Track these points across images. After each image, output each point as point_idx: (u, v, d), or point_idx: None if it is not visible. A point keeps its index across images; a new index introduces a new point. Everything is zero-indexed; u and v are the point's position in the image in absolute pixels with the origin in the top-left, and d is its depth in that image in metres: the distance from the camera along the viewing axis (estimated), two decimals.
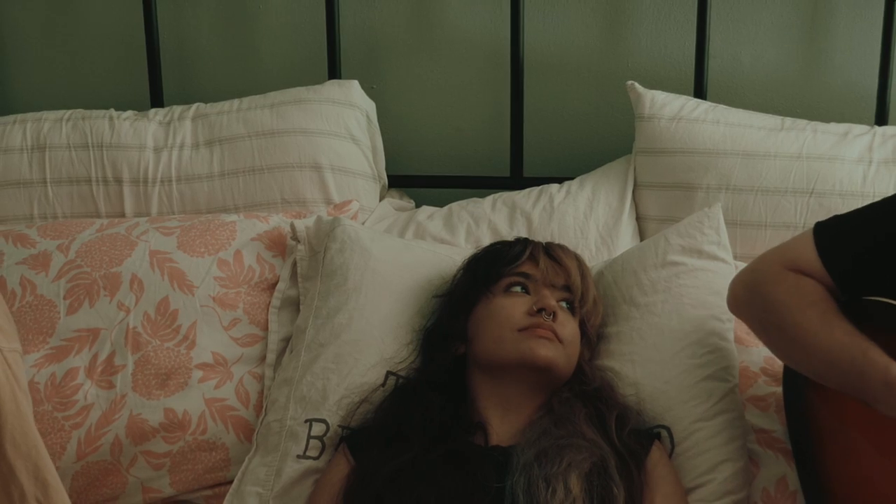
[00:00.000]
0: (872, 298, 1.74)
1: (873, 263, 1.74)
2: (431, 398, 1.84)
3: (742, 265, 2.15)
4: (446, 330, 1.94)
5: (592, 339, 1.95)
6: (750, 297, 1.86)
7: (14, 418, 1.54)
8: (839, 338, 1.69)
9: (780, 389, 1.98)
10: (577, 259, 1.97)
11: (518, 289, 1.89)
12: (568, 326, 1.86)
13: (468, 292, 1.94)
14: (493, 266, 1.94)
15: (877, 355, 1.63)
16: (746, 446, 1.92)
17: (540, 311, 1.83)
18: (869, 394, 1.65)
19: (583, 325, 1.92)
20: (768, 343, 1.87)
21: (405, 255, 2.14)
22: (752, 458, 1.93)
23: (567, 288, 1.91)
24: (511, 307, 1.86)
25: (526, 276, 1.90)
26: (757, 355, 2.03)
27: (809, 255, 1.78)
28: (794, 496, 1.89)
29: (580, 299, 1.92)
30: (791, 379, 1.89)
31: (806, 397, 1.84)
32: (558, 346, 1.83)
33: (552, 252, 1.95)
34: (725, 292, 2.00)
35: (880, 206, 1.78)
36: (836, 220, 1.81)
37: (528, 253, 1.93)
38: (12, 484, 1.54)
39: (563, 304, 1.89)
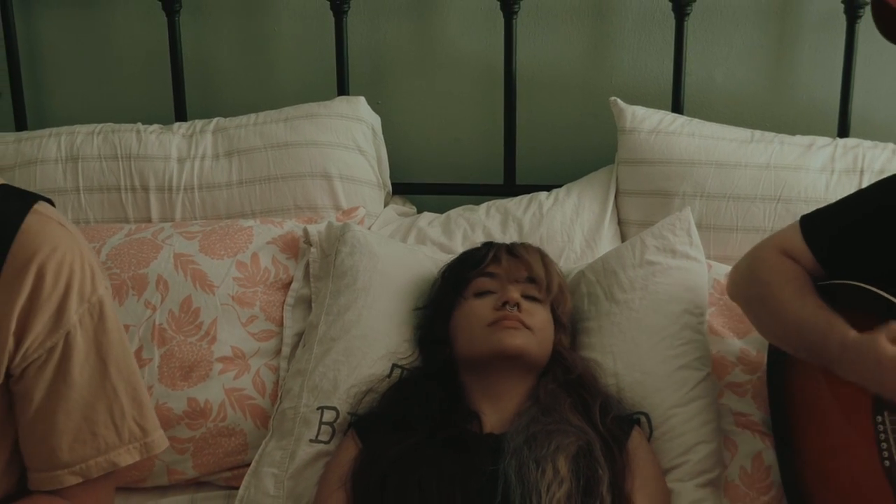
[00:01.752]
0: (842, 282, 1.76)
1: (851, 241, 1.77)
2: (431, 390, 1.84)
3: (715, 264, 2.17)
4: (432, 336, 1.95)
5: (566, 324, 1.95)
6: (742, 278, 1.90)
7: (119, 346, 1.57)
8: (810, 309, 1.72)
9: (754, 377, 1.99)
10: (540, 253, 1.98)
11: (487, 290, 1.90)
12: (536, 315, 1.87)
13: (444, 301, 1.95)
14: (462, 272, 1.95)
15: (838, 323, 1.67)
16: (719, 429, 1.92)
17: (504, 304, 1.84)
18: (828, 355, 1.68)
19: (554, 313, 1.92)
20: (752, 318, 1.91)
21: (409, 259, 2.14)
22: (731, 439, 1.94)
23: (531, 279, 1.92)
24: (480, 307, 1.87)
25: (491, 275, 1.91)
26: (733, 346, 2.05)
27: (796, 240, 1.82)
28: (768, 471, 1.90)
29: (546, 288, 1.92)
30: (774, 364, 1.91)
31: (786, 380, 1.86)
32: (527, 334, 1.83)
33: (514, 250, 1.96)
34: (698, 288, 2.03)
35: (857, 194, 1.84)
36: (820, 209, 1.85)
37: (491, 255, 1.94)
38: (114, 402, 1.56)
39: (531, 295, 1.90)
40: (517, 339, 1.82)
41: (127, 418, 1.57)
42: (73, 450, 1.53)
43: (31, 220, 1.51)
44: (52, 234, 1.52)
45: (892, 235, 1.74)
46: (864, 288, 1.73)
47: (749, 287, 1.89)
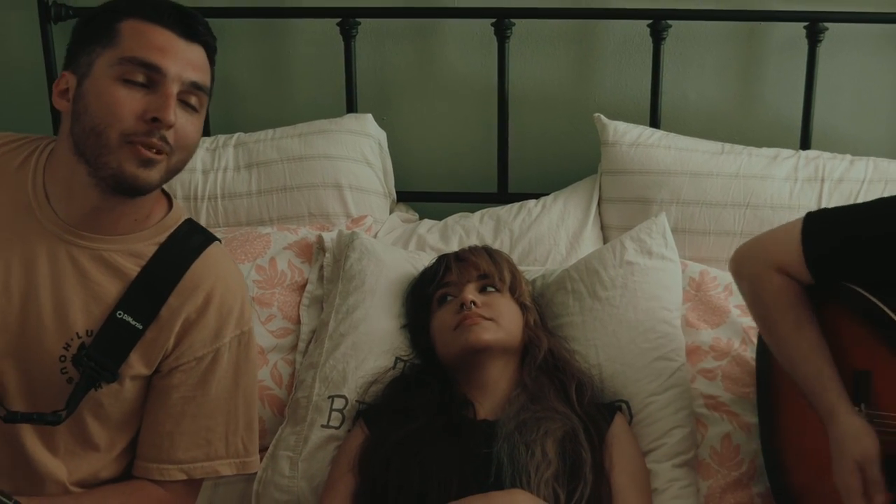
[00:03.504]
0: (850, 285, 1.68)
1: (849, 257, 1.68)
2: (430, 382, 1.85)
3: (691, 263, 2.17)
4: (418, 350, 1.96)
5: (529, 304, 1.94)
6: (745, 294, 1.82)
7: (251, 374, 1.65)
8: (805, 347, 1.69)
9: (723, 362, 1.99)
10: (486, 250, 1.99)
11: (449, 298, 1.91)
12: (495, 305, 1.87)
13: (417, 318, 1.97)
14: (423, 290, 1.97)
15: (830, 383, 1.64)
16: (692, 414, 1.92)
17: (461, 306, 1.85)
18: (812, 402, 1.67)
19: (515, 297, 1.92)
20: (752, 315, 1.84)
21: (409, 264, 2.14)
22: (702, 420, 1.94)
23: (483, 276, 1.92)
24: (444, 315, 1.88)
25: (447, 284, 1.92)
26: (707, 336, 2.05)
27: (794, 256, 1.71)
28: (737, 449, 1.90)
29: (499, 279, 1.92)
30: (763, 351, 1.87)
31: (773, 364, 1.82)
32: (489, 324, 1.83)
33: (461, 256, 1.97)
34: (672, 286, 2.02)
35: (867, 208, 1.72)
36: (826, 211, 1.75)
37: (442, 267, 1.95)
38: (231, 420, 1.61)
39: (486, 290, 1.90)
40: (481, 334, 1.82)
41: (237, 437, 1.62)
42: (187, 450, 1.58)
43: (212, 251, 1.61)
44: (226, 267, 1.63)
45: (886, 260, 1.64)
46: (860, 293, 1.66)
47: (752, 306, 1.82)
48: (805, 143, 2.41)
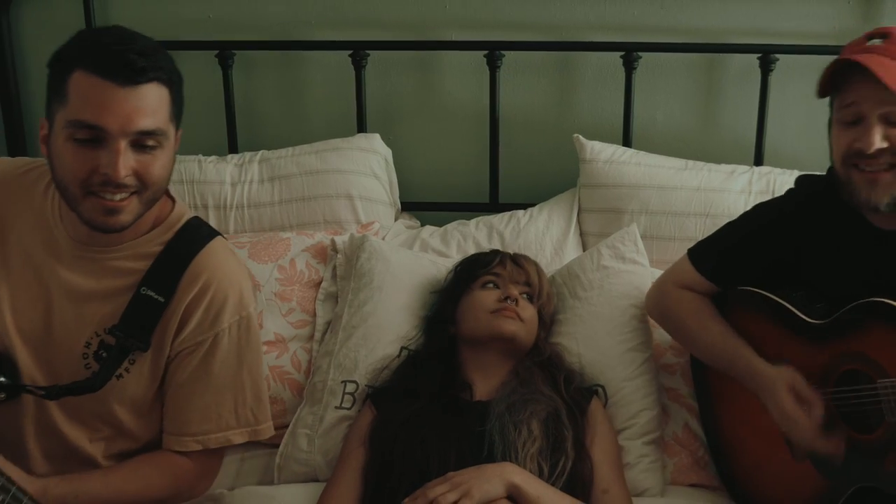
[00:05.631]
0: (746, 288, 1.77)
1: (731, 259, 1.78)
2: (432, 366, 1.85)
3: (656, 270, 2.16)
4: (441, 316, 1.93)
5: (547, 322, 1.95)
6: (654, 313, 1.92)
7: (254, 354, 1.63)
8: (716, 338, 1.74)
9: (682, 360, 1.99)
10: (536, 265, 1.98)
11: (491, 285, 1.89)
12: (527, 311, 1.86)
13: (456, 288, 1.94)
14: (473, 269, 1.94)
15: (743, 351, 1.69)
16: (660, 399, 1.93)
17: (506, 298, 1.84)
18: (737, 375, 1.70)
19: (540, 312, 1.92)
20: (673, 337, 1.92)
21: (414, 263, 2.14)
22: (665, 410, 1.95)
23: (527, 284, 1.91)
24: (485, 297, 1.86)
25: (496, 275, 1.91)
26: (666, 336, 2.02)
27: (688, 272, 1.83)
28: (695, 435, 1.92)
29: (538, 293, 1.92)
30: (695, 359, 1.91)
31: (705, 370, 1.87)
32: (520, 324, 1.83)
33: (517, 259, 1.96)
34: (644, 287, 2.02)
35: (730, 224, 1.84)
36: (701, 241, 1.87)
37: (498, 259, 1.94)
38: (239, 395, 1.61)
39: (525, 296, 1.89)
40: (512, 326, 1.82)
41: (246, 408, 1.61)
42: (200, 424, 1.58)
43: (213, 245, 1.59)
44: (224, 259, 1.59)
45: (760, 252, 1.75)
46: (757, 292, 1.74)
47: (662, 322, 1.91)
48: (758, 160, 2.41)
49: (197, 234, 1.58)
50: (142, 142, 1.40)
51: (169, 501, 1.60)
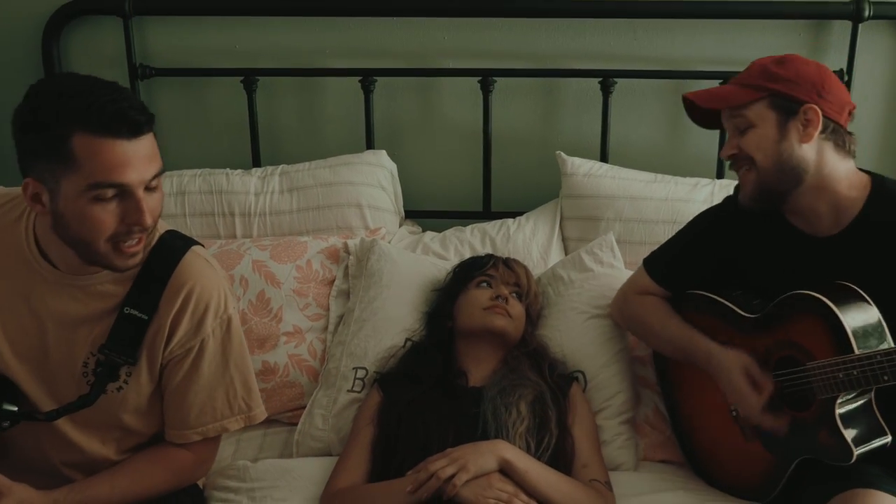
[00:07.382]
0: (694, 292, 1.78)
1: (680, 265, 1.80)
2: (433, 355, 1.86)
3: (629, 271, 2.17)
4: (441, 311, 1.94)
5: (534, 317, 1.95)
6: (618, 318, 1.92)
7: (238, 349, 1.58)
8: (674, 331, 1.75)
9: (651, 350, 1.98)
10: (525, 268, 1.98)
11: (484, 285, 1.89)
12: (516, 308, 1.87)
13: (454, 287, 1.95)
14: (469, 270, 1.95)
15: (699, 338, 1.69)
16: (633, 384, 1.94)
17: (497, 297, 1.85)
18: (696, 361, 1.70)
19: (528, 309, 1.92)
20: (638, 337, 1.93)
21: (417, 265, 2.14)
22: (638, 395, 1.95)
23: (517, 284, 1.92)
24: (480, 295, 1.87)
25: (490, 276, 1.91)
26: None
27: (644, 279, 1.84)
28: (663, 417, 1.93)
29: (526, 292, 1.93)
30: (657, 354, 1.92)
31: (666, 362, 1.89)
32: (509, 319, 1.84)
33: (508, 262, 1.96)
34: (618, 286, 2.02)
35: (678, 233, 1.85)
36: (654, 251, 1.88)
37: (491, 262, 1.94)
38: (230, 387, 1.58)
39: (514, 295, 1.90)
40: (502, 322, 1.83)
41: (238, 398, 1.59)
42: (197, 417, 1.56)
43: (188, 257, 1.53)
44: (200, 269, 1.53)
45: (701, 256, 1.78)
46: (703, 294, 1.76)
47: (627, 325, 1.92)
48: (720, 174, 2.41)
49: (172, 250, 1.51)
50: (150, 185, 1.37)
51: (172, 490, 1.59)
